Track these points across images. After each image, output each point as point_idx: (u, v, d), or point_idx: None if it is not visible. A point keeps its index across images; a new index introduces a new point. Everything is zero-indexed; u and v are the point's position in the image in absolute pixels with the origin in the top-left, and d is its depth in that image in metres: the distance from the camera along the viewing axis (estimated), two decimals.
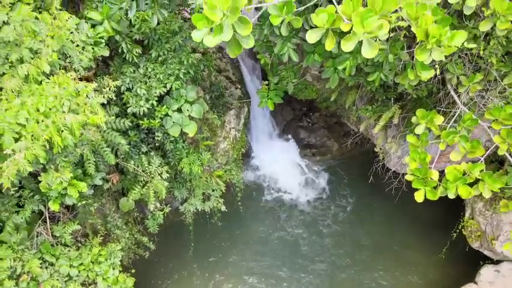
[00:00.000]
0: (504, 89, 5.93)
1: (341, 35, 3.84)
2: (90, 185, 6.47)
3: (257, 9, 5.68)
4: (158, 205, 7.89)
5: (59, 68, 5.32)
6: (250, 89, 10.91)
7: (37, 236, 6.75)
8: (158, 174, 7.28)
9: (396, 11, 3.71)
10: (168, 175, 7.44)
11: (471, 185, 5.04)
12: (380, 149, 9.34)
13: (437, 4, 4.03)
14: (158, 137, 7.31)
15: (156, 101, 6.82)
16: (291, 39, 6.14)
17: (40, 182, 5.89)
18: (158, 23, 6.24)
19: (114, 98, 6.01)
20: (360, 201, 11.20)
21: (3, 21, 4.66)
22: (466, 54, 6.02)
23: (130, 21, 6.22)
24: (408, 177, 5.22)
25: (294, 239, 10.51)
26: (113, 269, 7.08)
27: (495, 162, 8.12)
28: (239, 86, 10.51)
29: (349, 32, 3.55)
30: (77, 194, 5.91)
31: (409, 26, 3.99)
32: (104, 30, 5.85)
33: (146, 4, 6.00)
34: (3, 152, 4.44)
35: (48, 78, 4.94)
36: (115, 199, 7.93)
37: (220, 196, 8.70)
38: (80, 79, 5.36)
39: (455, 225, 9.11)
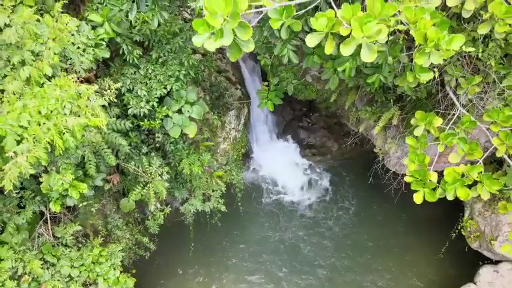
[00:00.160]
0: (503, 91, 5.94)
1: (340, 37, 3.86)
2: (91, 186, 6.48)
3: (257, 8, 5.68)
4: (158, 206, 7.92)
5: (61, 70, 5.34)
6: (250, 89, 10.92)
7: (38, 237, 6.79)
8: (159, 175, 7.30)
9: (395, 14, 3.73)
10: (168, 176, 7.46)
11: (470, 186, 5.07)
12: (380, 149, 9.38)
13: (436, 8, 4.06)
14: (159, 138, 7.34)
15: (156, 102, 6.84)
16: (290, 41, 6.16)
17: (41, 183, 5.92)
18: (158, 25, 6.24)
19: (115, 100, 6.03)
20: (361, 202, 11.20)
21: (5, 24, 4.69)
22: (465, 56, 6.03)
23: (131, 22, 6.22)
24: (407, 179, 5.24)
25: (295, 241, 10.52)
26: (114, 269, 7.10)
27: (494, 162, 8.15)
28: (239, 87, 10.53)
29: (348, 35, 3.58)
30: (78, 195, 5.93)
31: (408, 29, 4.01)
32: (105, 32, 5.85)
33: (147, 6, 6.01)
34: (5, 154, 4.46)
35: (50, 81, 4.97)
36: (116, 200, 7.94)
37: (221, 196, 8.73)
38: (81, 81, 5.38)
39: (455, 226, 9.16)
